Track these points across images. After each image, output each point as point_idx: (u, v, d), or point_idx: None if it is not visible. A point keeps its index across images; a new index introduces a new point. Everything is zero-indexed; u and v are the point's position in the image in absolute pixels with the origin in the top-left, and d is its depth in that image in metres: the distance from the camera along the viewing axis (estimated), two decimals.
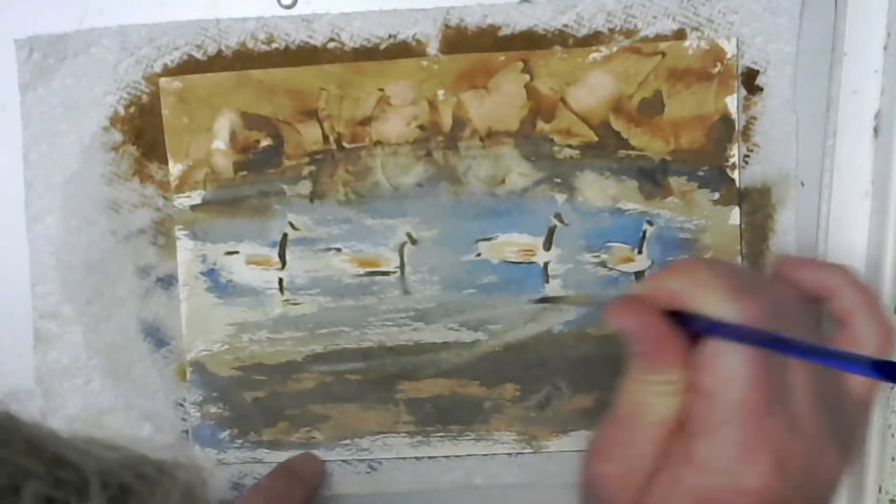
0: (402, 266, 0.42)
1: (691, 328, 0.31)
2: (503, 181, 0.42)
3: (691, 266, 0.32)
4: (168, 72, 0.42)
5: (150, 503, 0.24)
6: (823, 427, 0.31)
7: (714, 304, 0.30)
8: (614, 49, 0.41)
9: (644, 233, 0.42)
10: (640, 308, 0.32)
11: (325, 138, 0.42)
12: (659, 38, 0.41)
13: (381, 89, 0.41)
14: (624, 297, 0.33)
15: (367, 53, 0.41)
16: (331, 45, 0.41)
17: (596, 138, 0.41)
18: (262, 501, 0.40)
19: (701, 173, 0.41)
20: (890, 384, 0.25)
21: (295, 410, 0.43)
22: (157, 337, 0.43)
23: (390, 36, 0.41)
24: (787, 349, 0.29)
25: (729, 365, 0.30)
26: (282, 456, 0.43)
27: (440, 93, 0.41)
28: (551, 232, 0.42)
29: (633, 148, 0.41)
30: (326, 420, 0.43)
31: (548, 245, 0.42)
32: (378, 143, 0.42)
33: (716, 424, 0.30)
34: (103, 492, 0.23)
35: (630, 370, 0.33)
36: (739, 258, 0.41)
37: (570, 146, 0.41)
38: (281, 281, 0.43)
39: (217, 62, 0.42)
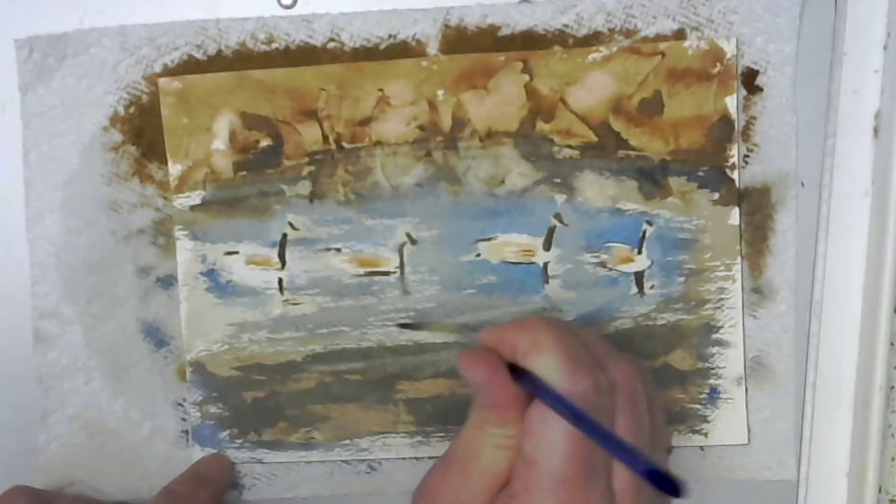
0: (401, 266, 0.42)
1: (526, 387, 0.32)
2: (503, 181, 0.42)
3: (536, 326, 0.32)
4: (168, 72, 0.42)
5: None
6: (639, 500, 0.31)
7: (547, 370, 0.31)
8: (614, 49, 0.41)
9: (644, 233, 0.42)
10: (490, 361, 0.32)
11: (325, 138, 0.42)
12: (659, 38, 0.41)
13: (381, 89, 0.41)
14: (475, 348, 0.33)
15: (366, 53, 0.41)
16: (331, 45, 0.41)
17: (596, 138, 0.41)
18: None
19: (701, 173, 0.41)
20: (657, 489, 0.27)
21: (295, 410, 0.43)
22: (157, 337, 0.43)
23: (390, 36, 0.41)
24: (590, 432, 0.30)
25: (549, 434, 0.30)
26: (282, 456, 0.43)
27: (440, 93, 0.41)
28: (551, 232, 0.42)
29: (633, 148, 0.41)
30: (326, 420, 0.43)
31: (547, 245, 0.42)
32: (378, 143, 0.42)
33: (534, 491, 0.30)
34: None
35: (471, 418, 0.33)
36: (739, 258, 0.41)
37: (569, 146, 0.41)
38: (281, 281, 0.43)
39: (217, 62, 0.42)
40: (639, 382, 0.33)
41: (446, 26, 0.41)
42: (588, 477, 0.30)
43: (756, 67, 0.41)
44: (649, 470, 0.28)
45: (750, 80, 0.41)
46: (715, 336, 0.42)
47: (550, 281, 0.42)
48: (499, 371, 0.32)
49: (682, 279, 0.42)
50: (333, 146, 0.42)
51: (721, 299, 0.42)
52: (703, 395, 0.42)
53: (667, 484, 0.27)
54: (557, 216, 0.42)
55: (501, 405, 0.31)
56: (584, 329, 0.35)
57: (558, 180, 0.41)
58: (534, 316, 0.33)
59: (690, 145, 0.41)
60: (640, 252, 0.42)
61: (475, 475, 0.32)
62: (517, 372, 0.32)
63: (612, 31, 0.41)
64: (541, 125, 0.41)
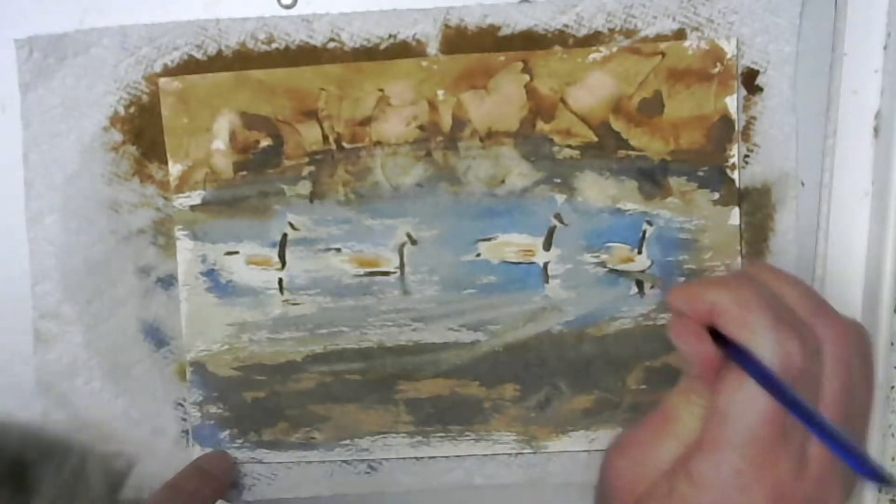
0: (401, 266, 0.42)
1: (725, 351, 0.31)
2: (503, 181, 0.42)
3: (737, 283, 0.31)
4: (168, 72, 0.42)
5: (43, 474, 0.27)
6: (832, 470, 0.30)
7: (752, 329, 0.30)
8: (614, 49, 0.41)
9: (644, 233, 0.42)
10: (700, 334, 0.31)
11: (325, 138, 0.42)
12: (659, 38, 0.41)
13: (381, 89, 0.41)
14: (685, 318, 0.32)
15: (367, 53, 0.41)
16: (331, 45, 0.41)
17: (596, 138, 0.41)
18: (171, 499, 0.40)
19: (701, 173, 0.41)
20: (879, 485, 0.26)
21: (295, 410, 0.43)
22: (157, 337, 0.43)
23: (390, 36, 0.41)
24: (791, 408, 0.29)
25: (747, 393, 0.29)
26: (282, 456, 0.43)
27: (440, 93, 0.41)
28: (551, 232, 0.42)
29: (633, 148, 0.41)
30: (326, 420, 0.43)
31: (547, 245, 0.42)
32: (378, 143, 0.42)
33: (721, 444, 0.30)
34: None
35: (680, 383, 0.33)
36: (739, 258, 0.41)
37: (569, 146, 0.41)
38: (281, 281, 0.43)
39: (217, 62, 0.42)
40: (852, 345, 0.31)
41: (446, 26, 0.41)
42: (780, 438, 0.29)
43: (756, 67, 0.41)
44: (874, 472, 0.26)
45: (750, 80, 0.41)
46: None
47: (550, 281, 0.42)
48: (707, 343, 0.31)
49: (683, 279, 0.42)
50: (333, 146, 0.42)
51: None
52: None
53: (867, 469, 0.26)
54: (557, 216, 0.42)
55: (707, 375, 0.31)
56: (793, 282, 0.33)
57: (558, 180, 0.41)
58: (737, 273, 0.32)
59: (690, 145, 0.41)
60: (640, 252, 0.42)
61: (670, 436, 0.32)
62: (716, 335, 0.31)
63: (612, 31, 0.41)
64: (541, 125, 0.41)
